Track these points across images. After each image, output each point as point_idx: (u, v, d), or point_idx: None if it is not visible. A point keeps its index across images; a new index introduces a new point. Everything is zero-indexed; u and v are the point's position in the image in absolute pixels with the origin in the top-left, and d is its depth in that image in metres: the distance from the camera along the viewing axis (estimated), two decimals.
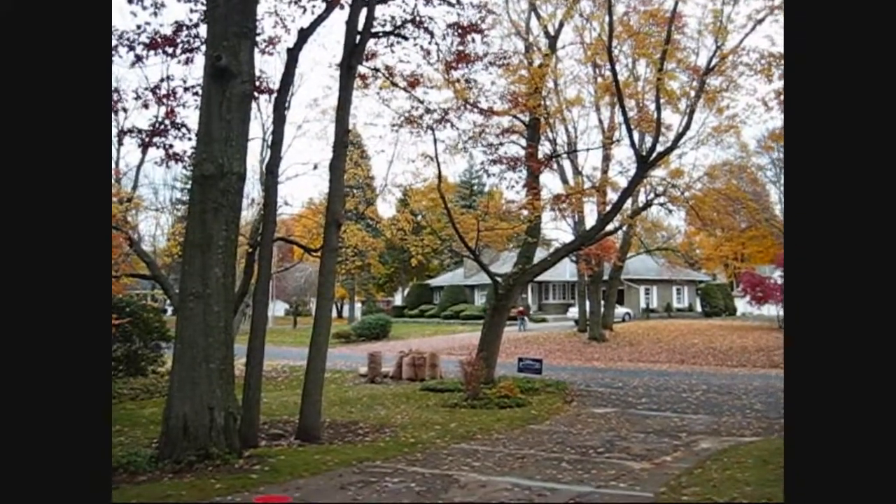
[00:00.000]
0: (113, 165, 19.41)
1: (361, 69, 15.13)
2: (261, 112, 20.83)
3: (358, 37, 12.62)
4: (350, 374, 23.60)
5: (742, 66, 17.74)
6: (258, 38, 13.72)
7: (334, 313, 63.24)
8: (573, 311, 44.59)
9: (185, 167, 22.24)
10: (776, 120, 25.27)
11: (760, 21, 16.66)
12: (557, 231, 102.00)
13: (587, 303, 38.76)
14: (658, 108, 17.27)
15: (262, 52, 15.21)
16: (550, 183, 54.07)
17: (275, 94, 13.90)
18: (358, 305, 63.86)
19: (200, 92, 10.19)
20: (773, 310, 40.49)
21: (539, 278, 39.48)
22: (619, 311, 45.04)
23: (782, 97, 17.08)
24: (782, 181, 51.33)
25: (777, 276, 40.17)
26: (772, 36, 24.93)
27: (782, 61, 16.46)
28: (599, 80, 22.99)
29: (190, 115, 14.48)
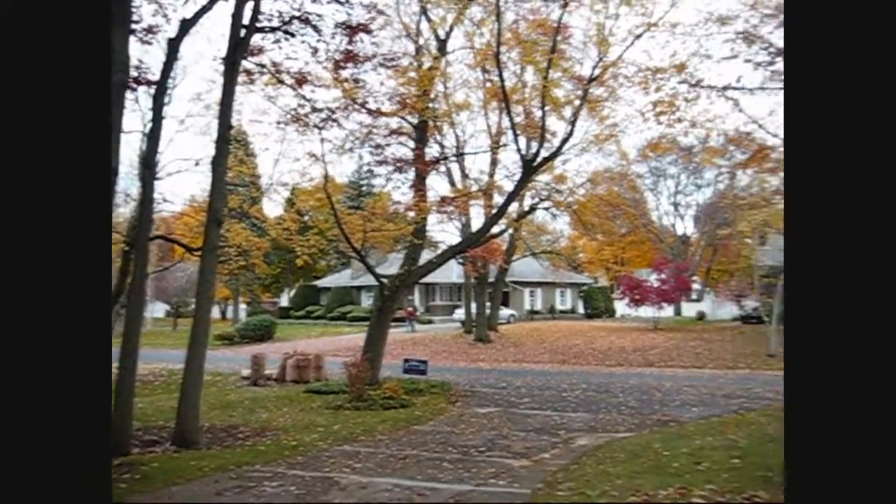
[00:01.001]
0: None
1: (247, 64, 14.78)
2: (139, 104, 19.90)
3: (243, 31, 12.34)
4: (232, 376, 22.93)
5: (622, 78, 18.49)
6: (136, 26, 13.14)
7: (218, 315, 61.62)
8: (459, 313, 45.04)
9: None
10: (653, 130, 26.47)
11: (639, 36, 17.40)
12: (444, 233, 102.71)
13: (473, 304, 39.27)
14: (543, 115, 17.74)
15: (141, 41, 14.55)
16: (438, 185, 54.48)
17: (154, 86, 13.36)
18: (242, 307, 62.15)
19: None
20: (650, 311, 42.29)
21: (426, 280, 39.74)
22: (505, 312, 45.84)
23: (658, 109, 17.87)
24: (661, 189, 53.96)
25: (654, 279, 41.94)
26: (649, 51, 26.17)
27: (658, 75, 17.25)
28: (488, 85, 23.34)
29: None
